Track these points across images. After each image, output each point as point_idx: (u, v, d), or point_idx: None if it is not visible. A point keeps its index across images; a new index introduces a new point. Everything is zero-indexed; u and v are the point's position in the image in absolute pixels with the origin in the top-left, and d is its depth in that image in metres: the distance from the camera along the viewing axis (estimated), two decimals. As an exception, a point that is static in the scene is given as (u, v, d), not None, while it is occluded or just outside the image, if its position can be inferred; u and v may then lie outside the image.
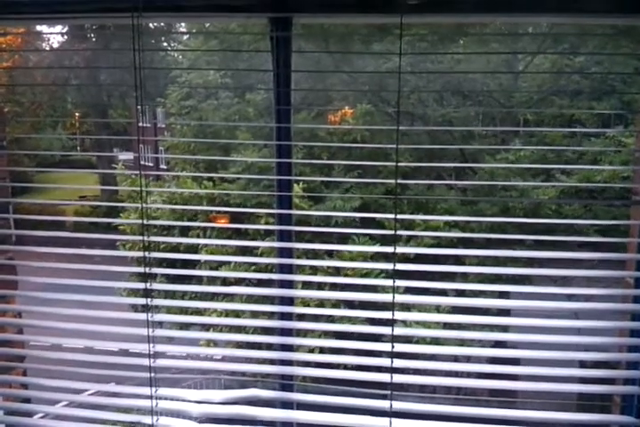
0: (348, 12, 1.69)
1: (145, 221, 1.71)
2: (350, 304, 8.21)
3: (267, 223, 8.51)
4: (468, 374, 6.28)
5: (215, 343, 8.22)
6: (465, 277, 7.84)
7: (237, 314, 7.88)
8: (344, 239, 9.26)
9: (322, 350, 6.65)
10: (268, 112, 11.12)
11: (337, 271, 8.16)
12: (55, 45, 19.01)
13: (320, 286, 7.83)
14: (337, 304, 8.68)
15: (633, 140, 8.44)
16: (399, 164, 1.67)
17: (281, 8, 1.67)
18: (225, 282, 8.89)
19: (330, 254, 9.02)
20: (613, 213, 9.22)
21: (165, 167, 16.13)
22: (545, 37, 10.30)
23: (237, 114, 11.47)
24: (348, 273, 8.47)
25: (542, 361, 1.64)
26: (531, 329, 1.66)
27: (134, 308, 7.92)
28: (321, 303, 8.33)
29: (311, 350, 6.55)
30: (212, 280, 9.07)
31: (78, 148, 22.50)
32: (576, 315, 1.82)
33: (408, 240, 9.10)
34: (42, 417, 2.20)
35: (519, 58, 11.58)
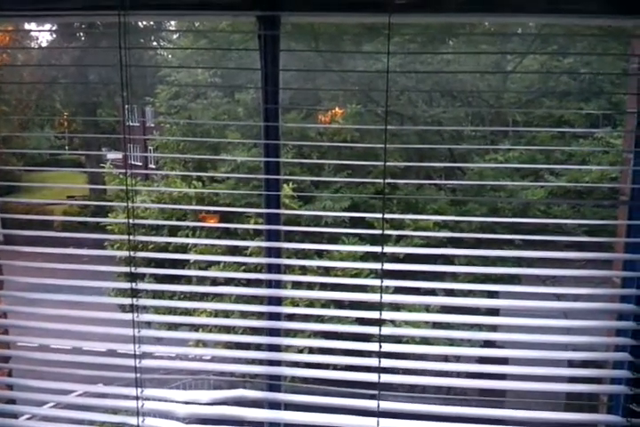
0: (337, 11, 1.68)
1: (132, 221, 1.69)
2: (340, 304, 8.21)
3: (256, 224, 8.49)
4: (458, 374, 6.30)
5: (204, 344, 8.19)
6: (454, 277, 7.87)
7: (227, 314, 7.87)
8: (334, 240, 9.26)
9: (311, 351, 6.64)
10: (258, 112, 11.06)
11: (327, 272, 8.16)
12: (43, 44, 18.89)
13: (309, 287, 7.82)
14: (326, 304, 8.68)
15: (621, 141, 8.52)
16: (388, 163, 1.67)
17: (269, 6, 1.66)
18: (214, 282, 8.86)
19: (319, 255, 9.01)
20: (601, 214, 9.28)
21: (154, 167, 16.07)
22: (534, 38, 10.35)
23: (227, 113, 11.43)
24: (337, 273, 8.47)
25: (531, 361, 1.64)
26: (519, 329, 1.66)
27: (122, 308, 7.88)
28: (310, 303, 8.33)
29: (300, 350, 6.55)
30: (200, 280, 9.04)
31: (66, 147, 22.35)
32: (564, 314, 1.83)
33: (398, 240, 9.12)
34: (28, 418, 2.17)
35: (508, 59, 11.63)
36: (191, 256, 7.28)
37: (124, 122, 1.67)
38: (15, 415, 1.99)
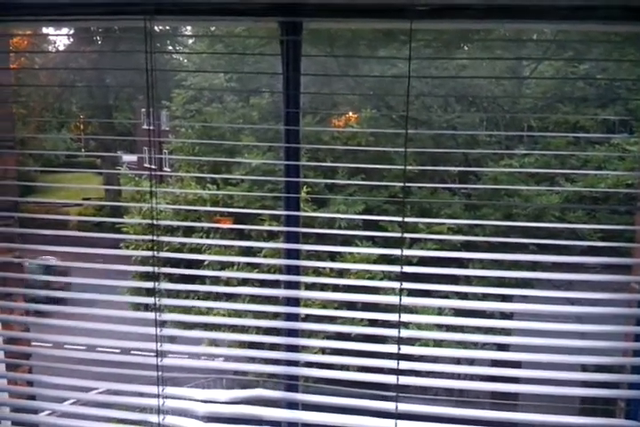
0: (358, 18, 1.70)
1: (155, 222, 1.72)
2: (352, 307, 8.21)
3: (270, 226, 8.53)
4: (471, 377, 6.26)
5: (217, 344, 8.22)
6: (468, 281, 7.85)
7: (239, 314, 7.90)
8: (347, 243, 9.27)
9: (323, 352, 6.65)
10: (273, 116, 11.17)
11: (340, 275, 8.18)
12: (61, 48, 19.11)
13: (322, 289, 7.85)
14: (339, 307, 8.67)
15: (637, 147, 8.46)
16: (407, 167, 1.68)
17: (292, 13, 1.68)
18: (227, 283, 8.91)
19: (332, 258, 9.02)
20: (617, 221, 9.21)
21: (169, 170, 16.19)
22: (550, 44, 10.32)
23: (242, 118, 11.51)
24: (351, 276, 8.48)
25: (545, 365, 1.64)
26: (536, 333, 1.66)
27: (136, 307, 7.93)
28: (323, 306, 8.34)
29: (315, 351, 6.56)
30: (214, 282, 9.10)
31: (82, 149, 22.56)
32: (579, 319, 1.84)
33: (411, 245, 9.12)
34: (49, 415, 2.21)
35: (524, 64, 11.60)
36: (213, 257, 7.33)
37: (148, 125, 1.70)
38: (36, 411, 2.02)
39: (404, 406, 1.60)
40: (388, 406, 1.61)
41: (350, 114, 11.55)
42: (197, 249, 9.15)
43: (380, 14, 1.66)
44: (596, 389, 1.64)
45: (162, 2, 1.68)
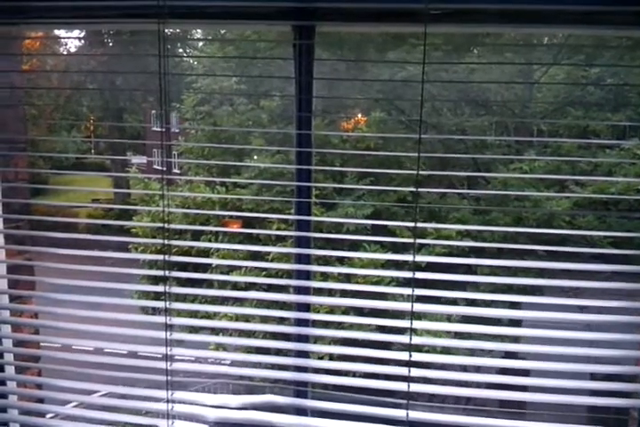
0: (372, 21, 1.70)
1: (166, 225, 1.72)
2: (359, 312, 8.18)
3: (278, 229, 8.53)
4: (478, 385, 6.21)
5: (224, 348, 8.21)
6: (476, 287, 7.80)
7: (247, 319, 7.90)
8: (355, 246, 9.25)
9: (331, 358, 6.62)
10: (282, 118, 11.17)
11: (347, 279, 8.14)
12: (72, 50, 19.24)
13: (330, 293, 7.82)
14: (346, 311, 8.66)
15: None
16: (420, 172, 1.67)
17: (305, 16, 1.68)
18: (235, 287, 8.91)
19: (340, 261, 9.00)
20: (627, 226, 9.14)
21: (179, 172, 16.24)
22: (560, 48, 10.28)
23: (251, 120, 11.51)
24: (358, 281, 8.45)
25: (555, 373, 1.62)
26: (546, 340, 1.64)
27: (144, 310, 7.95)
28: (330, 310, 8.32)
29: (320, 357, 6.53)
30: (221, 286, 9.08)
31: (92, 151, 22.68)
32: (589, 326, 1.82)
33: (419, 249, 9.08)
34: (54, 417, 2.21)
35: (534, 67, 11.55)
36: (222, 261, 7.34)
37: (162, 128, 1.69)
38: (44, 414, 2.02)
39: (414, 414, 1.59)
40: (399, 413, 1.60)
41: (359, 116, 11.54)
42: (205, 252, 9.15)
43: (394, 18, 1.65)
44: (607, 398, 1.62)
45: (176, 5, 1.68)
